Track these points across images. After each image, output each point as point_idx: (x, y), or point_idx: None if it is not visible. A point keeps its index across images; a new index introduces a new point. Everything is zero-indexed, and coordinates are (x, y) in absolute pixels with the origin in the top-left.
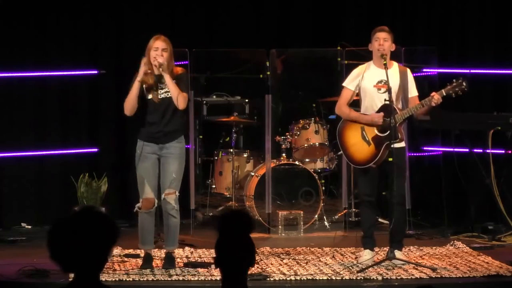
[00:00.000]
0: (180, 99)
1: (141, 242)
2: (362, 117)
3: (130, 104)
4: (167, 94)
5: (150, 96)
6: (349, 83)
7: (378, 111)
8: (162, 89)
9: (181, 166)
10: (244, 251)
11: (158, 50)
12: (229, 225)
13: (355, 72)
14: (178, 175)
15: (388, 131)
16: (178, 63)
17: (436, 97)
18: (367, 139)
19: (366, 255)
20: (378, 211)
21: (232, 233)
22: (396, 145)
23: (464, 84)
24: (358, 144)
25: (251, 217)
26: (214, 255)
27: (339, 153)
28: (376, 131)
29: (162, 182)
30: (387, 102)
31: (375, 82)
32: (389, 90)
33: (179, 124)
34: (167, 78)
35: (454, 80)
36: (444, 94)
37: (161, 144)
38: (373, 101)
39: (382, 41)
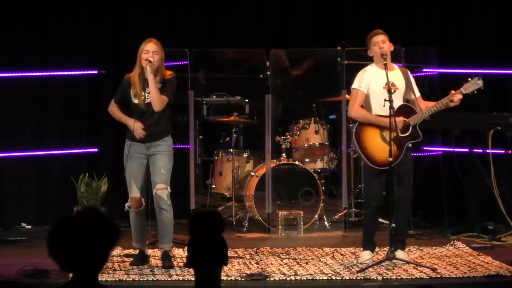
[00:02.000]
0: (156, 102)
1: (133, 240)
2: (383, 120)
3: (113, 116)
4: None
5: (136, 101)
6: (361, 85)
7: (397, 111)
8: (149, 93)
9: (169, 163)
10: (216, 251)
11: (149, 53)
12: (200, 225)
13: (363, 74)
14: (167, 171)
15: (409, 131)
16: (178, 63)
17: (457, 96)
18: (387, 140)
19: (366, 255)
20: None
21: (203, 233)
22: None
23: (479, 82)
24: (379, 145)
25: (222, 217)
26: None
27: (355, 155)
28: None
29: (152, 179)
30: (405, 103)
31: (383, 84)
32: (389, 91)
33: (166, 125)
34: (150, 79)
35: (469, 78)
36: (464, 92)
37: (148, 143)
38: (382, 103)
39: (381, 43)
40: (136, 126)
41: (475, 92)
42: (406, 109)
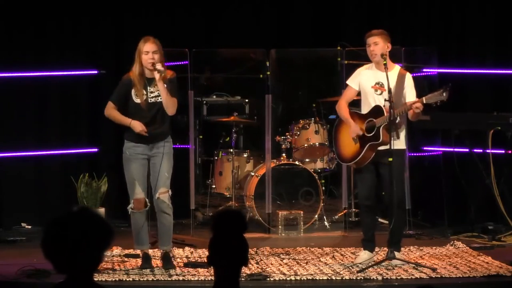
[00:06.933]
0: (170, 106)
1: (136, 242)
2: (348, 121)
3: (111, 119)
4: (157, 99)
5: (138, 101)
6: (352, 81)
7: (370, 112)
8: (152, 92)
9: (171, 164)
10: (237, 251)
11: (149, 53)
12: (222, 224)
13: (358, 70)
14: (170, 174)
15: (373, 132)
16: (178, 63)
17: (415, 105)
18: (355, 137)
19: (363, 255)
20: (378, 211)
21: (225, 232)
22: (395, 147)
23: (444, 94)
24: (347, 141)
25: (244, 217)
26: (207, 254)
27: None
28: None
29: (154, 182)
30: (378, 104)
31: (373, 83)
32: (389, 91)
33: (168, 125)
34: (160, 87)
35: (438, 88)
36: (424, 102)
37: (151, 144)
38: (369, 101)
39: (373, 45)
40: (135, 124)
41: (439, 103)
42: (376, 111)
